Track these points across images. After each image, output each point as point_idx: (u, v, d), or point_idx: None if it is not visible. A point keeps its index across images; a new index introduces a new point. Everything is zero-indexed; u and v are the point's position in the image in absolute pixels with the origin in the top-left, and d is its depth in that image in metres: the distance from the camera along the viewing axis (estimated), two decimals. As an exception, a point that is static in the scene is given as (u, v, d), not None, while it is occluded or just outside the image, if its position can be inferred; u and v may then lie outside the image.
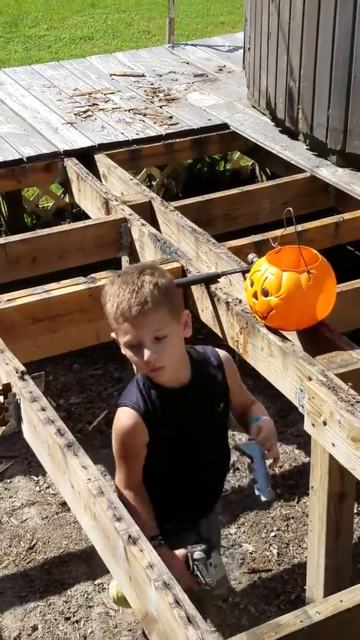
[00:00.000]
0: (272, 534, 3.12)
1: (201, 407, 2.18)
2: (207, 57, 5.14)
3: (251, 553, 3.05)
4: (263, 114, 4.18)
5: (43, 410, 2.30)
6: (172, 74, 4.87)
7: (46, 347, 2.90)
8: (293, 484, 3.36)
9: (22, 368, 2.47)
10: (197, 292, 2.96)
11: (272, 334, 2.59)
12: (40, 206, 5.22)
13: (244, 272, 2.88)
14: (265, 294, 2.54)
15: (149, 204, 3.49)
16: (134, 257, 3.41)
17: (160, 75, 4.85)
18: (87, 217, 3.79)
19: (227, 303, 2.79)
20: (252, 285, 2.60)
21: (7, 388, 2.44)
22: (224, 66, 4.96)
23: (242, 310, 2.73)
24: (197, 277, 2.93)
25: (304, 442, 3.50)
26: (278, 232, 2.97)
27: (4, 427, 2.49)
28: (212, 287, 2.87)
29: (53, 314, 2.86)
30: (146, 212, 3.47)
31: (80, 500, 2.11)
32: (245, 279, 2.85)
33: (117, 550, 1.92)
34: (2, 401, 2.46)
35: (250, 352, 2.70)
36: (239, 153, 5.28)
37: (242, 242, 3.19)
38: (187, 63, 5.05)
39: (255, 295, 2.58)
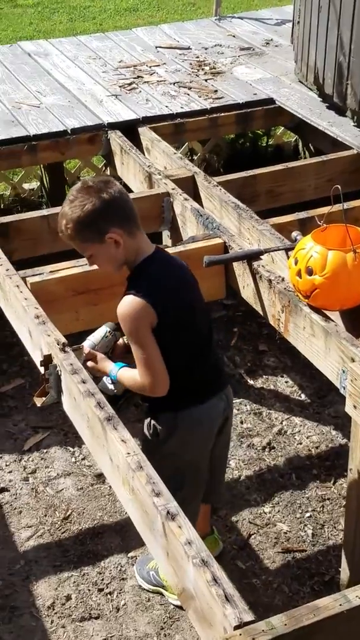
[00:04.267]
0: (307, 514, 3.10)
1: None
2: (254, 31, 5.05)
3: (285, 533, 3.04)
4: (310, 89, 4.10)
5: (83, 382, 2.30)
6: (218, 47, 4.80)
7: (86, 320, 2.90)
8: (330, 465, 3.33)
9: (63, 340, 2.47)
10: (239, 268, 2.93)
11: (315, 314, 2.56)
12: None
13: (287, 250, 2.85)
14: (310, 272, 2.50)
15: (192, 179, 3.46)
16: (175, 232, 3.38)
17: (206, 48, 4.78)
18: (130, 190, 3.76)
19: (270, 281, 2.75)
20: (296, 263, 2.56)
21: (48, 359, 2.45)
22: (271, 40, 4.87)
23: (285, 288, 2.69)
24: (239, 254, 2.89)
25: (342, 424, 3.47)
26: (323, 210, 2.93)
27: (44, 398, 2.51)
28: (255, 264, 2.84)
29: (94, 287, 2.86)
30: (189, 186, 3.44)
31: (119, 473, 2.11)
32: (288, 256, 2.82)
33: (155, 526, 1.92)
34: (43, 372, 2.47)
35: (292, 331, 2.67)
36: (282, 128, 5.20)
37: (286, 219, 3.14)
38: (234, 36, 4.96)
39: (299, 274, 2.54)
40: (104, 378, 2.48)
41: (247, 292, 2.91)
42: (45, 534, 3.07)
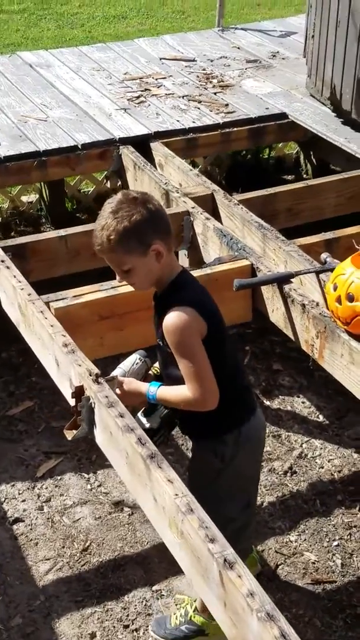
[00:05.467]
0: (335, 543, 3.02)
1: (155, 322, 2.32)
2: (259, 42, 4.98)
3: (313, 563, 2.95)
4: (323, 103, 4.04)
5: (121, 416, 2.19)
6: (223, 59, 4.72)
7: (111, 346, 2.80)
8: (353, 490, 3.25)
9: (96, 370, 2.37)
10: (268, 291, 2.85)
11: (355, 341, 2.48)
12: (81, 191, 5.10)
13: (318, 273, 2.77)
14: (351, 299, 2.42)
15: (211, 197, 3.37)
16: (194, 252, 3.29)
17: (211, 60, 4.70)
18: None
19: (303, 305, 2.67)
20: (335, 289, 2.48)
21: (80, 391, 2.34)
22: (277, 52, 4.80)
23: (320, 313, 2.61)
24: (269, 277, 2.81)
25: (363, 446, 3.41)
26: (350, 230, 2.86)
27: (74, 431, 2.39)
28: (286, 287, 2.76)
29: (120, 312, 2.75)
30: (208, 204, 3.35)
31: (165, 515, 2.01)
32: (319, 279, 2.74)
33: (210, 574, 1.82)
34: (74, 404, 2.36)
35: (327, 357, 2.58)
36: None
37: (313, 239, 3.07)
38: (238, 48, 4.89)
39: (338, 300, 2.46)
40: (138, 414, 2.38)
41: (276, 315, 2.82)
42: (64, 567, 2.95)
